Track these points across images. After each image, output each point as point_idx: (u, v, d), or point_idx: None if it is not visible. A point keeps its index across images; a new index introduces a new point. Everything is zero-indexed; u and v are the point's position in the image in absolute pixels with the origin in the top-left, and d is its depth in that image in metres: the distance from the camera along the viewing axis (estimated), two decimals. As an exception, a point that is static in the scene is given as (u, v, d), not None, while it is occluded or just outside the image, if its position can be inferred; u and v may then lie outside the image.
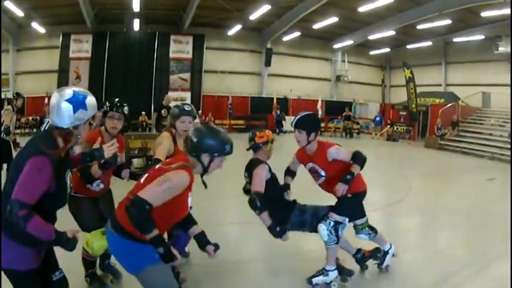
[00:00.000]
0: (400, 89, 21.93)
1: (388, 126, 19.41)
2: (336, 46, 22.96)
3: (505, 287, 3.37)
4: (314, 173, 3.37)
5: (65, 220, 2.41)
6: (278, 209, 3.19)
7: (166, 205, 2.08)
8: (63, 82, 17.88)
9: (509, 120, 13.97)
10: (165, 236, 2.62)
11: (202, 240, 2.42)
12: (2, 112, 5.87)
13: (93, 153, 2.37)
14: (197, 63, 20.43)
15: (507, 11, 13.27)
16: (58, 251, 2.14)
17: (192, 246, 2.97)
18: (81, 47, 18.82)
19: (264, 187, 3.07)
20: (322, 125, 20.10)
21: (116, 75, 19.05)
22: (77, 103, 2.00)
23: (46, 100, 16.36)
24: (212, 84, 20.85)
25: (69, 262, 2.43)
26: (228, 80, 21.36)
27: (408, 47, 21.87)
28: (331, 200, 3.37)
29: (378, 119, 20.44)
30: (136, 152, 7.15)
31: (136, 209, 1.99)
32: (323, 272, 3.28)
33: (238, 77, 21.72)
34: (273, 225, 2.99)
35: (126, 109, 3.08)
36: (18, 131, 13.97)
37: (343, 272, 3.41)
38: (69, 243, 1.98)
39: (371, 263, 3.66)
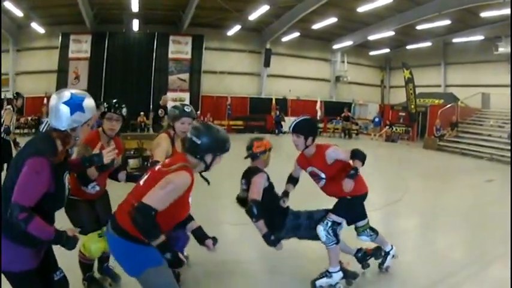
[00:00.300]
0: (399, 89, 21.90)
1: (387, 127, 19.40)
2: (335, 47, 22.96)
3: (504, 287, 3.38)
4: (314, 176, 3.38)
5: (64, 220, 2.40)
6: (273, 217, 3.20)
7: (168, 207, 2.07)
8: (62, 82, 17.95)
9: (509, 121, 13.98)
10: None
11: (201, 235, 2.43)
12: (2, 112, 5.86)
13: (93, 158, 2.39)
14: (196, 63, 20.44)
15: (507, 11, 13.25)
16: (56, 250, 2.15)
17: (192, 246, 2.96)
18: (80, 47, 18.84)
19: (261, 195, 3.09)
20: (322, 125, 20.13)
21: (115, 75, 19.09)
22: (75, 105, 2.01)
23: (45, 100, 16.36)
24: (211, 85, 20.85)
25: (69, 261, 2.44)
26: (227, 81, 21.35)
27: (408, 47, 21.86)
28: (331, 205, 3.37)
29: (377, 119, 20.44)
30: (132, 152, 7.11)
31: (142, 216, 1.98)
32: (326, 274, 3.27)
33: (237, 78, 21.71)
34: (268, 234, 3.01)
35: (124, 110, 3.03)
36: (17, 131, 13.93)
37: (348, 275, 3.39)
38: (69, 242, 1.99)
39: (373, 263, 3.66)
